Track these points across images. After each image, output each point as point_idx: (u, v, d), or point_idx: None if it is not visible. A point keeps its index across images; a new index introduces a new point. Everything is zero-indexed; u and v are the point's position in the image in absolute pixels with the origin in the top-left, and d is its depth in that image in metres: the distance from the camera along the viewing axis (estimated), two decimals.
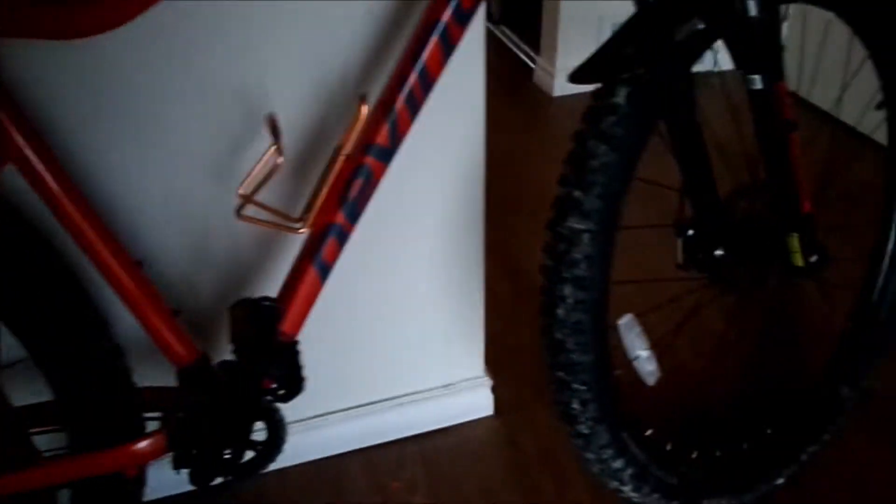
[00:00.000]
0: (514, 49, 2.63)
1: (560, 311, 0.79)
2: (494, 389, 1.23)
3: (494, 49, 2.76)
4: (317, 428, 1.15)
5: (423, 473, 1.15)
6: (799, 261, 0.93)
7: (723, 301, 1.02)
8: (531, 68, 2.43)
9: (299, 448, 1.15)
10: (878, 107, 1.09)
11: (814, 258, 0.93)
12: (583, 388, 0.82)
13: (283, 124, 0.86)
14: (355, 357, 1.12)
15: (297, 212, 0.77)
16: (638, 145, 0.78)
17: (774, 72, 0.79)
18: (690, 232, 0.96)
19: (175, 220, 0.91)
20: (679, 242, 0.97)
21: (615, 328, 0.90)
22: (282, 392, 0.78)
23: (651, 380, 0.93)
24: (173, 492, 1.07)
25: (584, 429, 0.85)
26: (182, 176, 0.89)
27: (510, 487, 1.13)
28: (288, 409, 1.12)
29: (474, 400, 1.22)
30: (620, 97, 0.76)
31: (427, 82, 0.74)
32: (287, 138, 0.88)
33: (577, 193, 0.77)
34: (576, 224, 0.77)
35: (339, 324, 1.08)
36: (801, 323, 1.39)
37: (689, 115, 0.88)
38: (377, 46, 0.87)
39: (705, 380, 1.29)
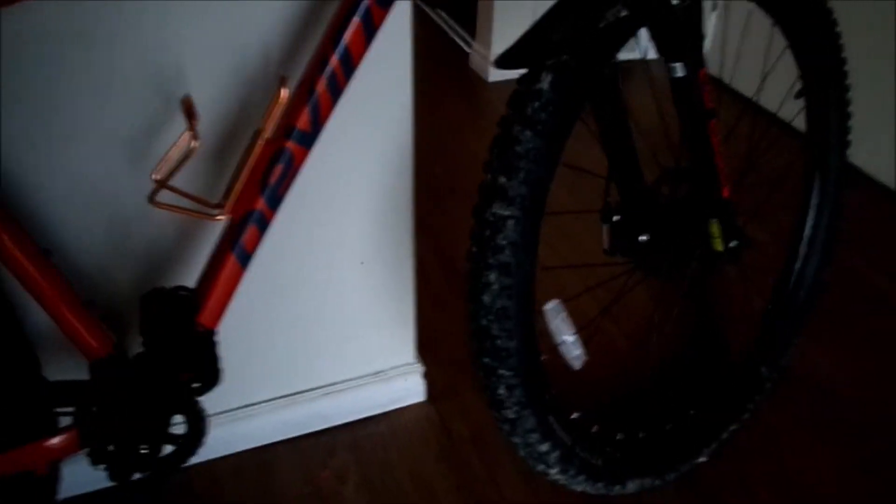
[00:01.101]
0: (451, 33, 2.61)
1: (485, 298, 0.79)
2: (426, 375, 1.23)
3: (431, 33, 2.74)
4: (245, 418, 1.13)
5: (354, 461, 1.14)
6: (719, 246, 0.96)
7: (649, 285, 1.05)
8: (467, 53, 2.43)
9: (227, 439, 1.12)
10: (798, 95, 1.13)
11: (733, 243, 0.96)
12: (509, 373, 0.83)
13: (204, 107, 0.84)
14: (283, 346, 1.10)
15: (218, 198, 0.75)
16: (563, 131, 0.78)
17: (696, 60, 0.80)
18: (616, 217, 0.97)
19: (88, 207, 0.87)
20: (605, 228, 0.99)
21: (541, 313, 0.90)
22: (197, 385, 0.75)
23: (577, 364, 0.94)
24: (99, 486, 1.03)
25: (510, 414, 0.86)
26: (95, 161, 0.84)
27: (441, 472, 1.13)
28: (215, 400, 1.10)
29: (406, 386, 1.21)
30: (545, 83, 0.76)
31: (349, 65, 0.72)
32: (207, 122, 0.85)
33: (501, 179, 0.77)
34: (500, 210, 0.77)
35: (266, 312, 1.05)
36: (724, 305, 1.43)
37: (614, 101, 0.89)
38: (301, 27, 0.84)
39: (631, 362, 1.32)
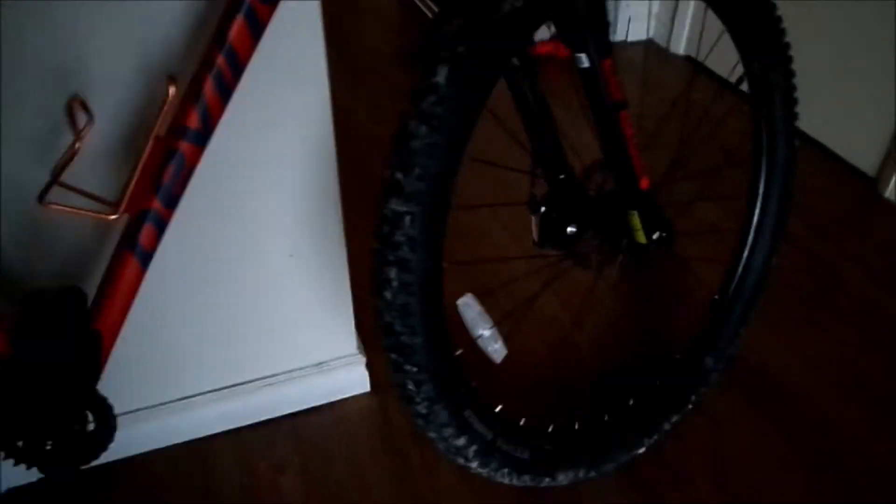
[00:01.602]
0: (427, 12, 2.59)
1: (387, 294, 0.79)
2: (369, 366, 1.23)
3: (409, 12, 2.71)
4: (185, 410, 1.14)
5: (294, 452, 1.15)
6: (641, 238, 0.94)
7: (583, 275, 1.04)
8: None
9: (167, 430, 1.14)
10: (738, 82, 1.11)
11: (656, 235, 0.95)
12: (415, 369, 0.82)
13: (107, 106, 0.83)
14: (220, 338, 1.11)
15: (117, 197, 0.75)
16: (462, 126, 0.77)
17: (600, 50, 0.79)
18: (543, 209, 0.96)
19: None
20: (534, 220, 0.98)
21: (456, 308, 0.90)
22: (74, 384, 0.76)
23: (497, 357, 0.94)
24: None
25: (421, 409, 0.85)
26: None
27: (380, 464, 1.14)
28: (155, 392, 1.12)
29: (349, 377, 1.22)
30: (441, 76, 0.75)
31: (236, 64, 0.72)
32: (110, 120, 0.85)
33: (398, 175, 0.76)
34: (397, 206, 0.76)
35: (199, 305, 1.06)
36: (671, 293, 1.42)
37: (533, 92, 0.88)
38: (203, 24, 0.84)
39: (568, 353, 1.31)
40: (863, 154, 1.84)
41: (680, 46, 2.33)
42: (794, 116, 1.14)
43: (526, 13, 0.75)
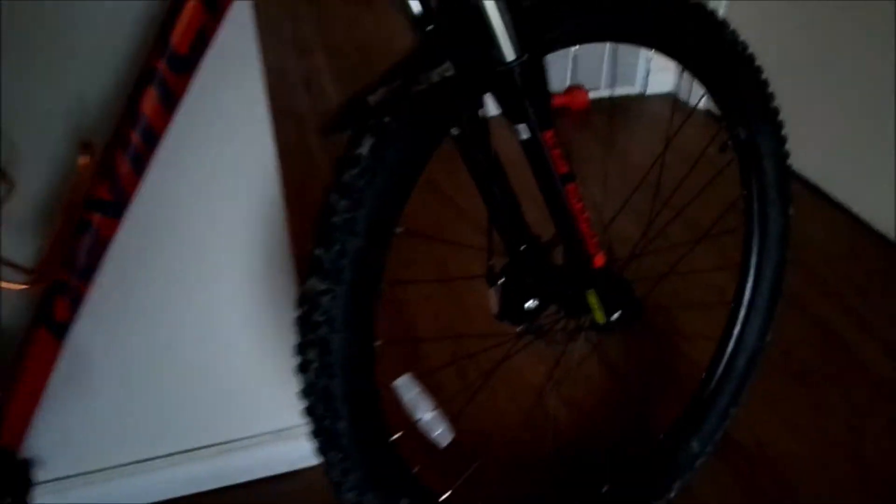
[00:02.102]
0: None
1: (307, 376, 0.74)
2: None
3: None
4: (140, 473, 1.10)
5: None
6: (600, 318, 0.88)
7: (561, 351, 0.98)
8: None
9: (121, 494, 1.10)
10: (722, 149, 1.04)
11: (616, 316, 0.88)
12: (339, 456, 0.77)
13: (28, 172, 0.81)
14: (179, 401, 1.07)
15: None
16: (389, 199, 0.72)
17: (541, 121, 0.74)
18: (501, 280, 0.91)
19: None
20: (492, 292, 0.92)
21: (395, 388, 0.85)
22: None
23: (442, 442, 0.88)
24: None
25: (350, 497, 0.80)
26: None
27: None
28: (109, 455, 1.09)
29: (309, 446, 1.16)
30: (364, 148, 0.71)
31: (150, 135, 0.69)
32: (38, 187, 0.83)
33: (317, 251, 0.72)
34: (316, 285, 0.72)
35: (159, 367, 1.03)
36: (650, 370, 1.33)
37: (484, 157, 0.83)
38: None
39: (539, 434, 1.23)
40: (886, 217, 1.73)
41: (701, 101, 2.26)
42: (788, 184, 1.07)
43: (458, 83, 0.71)
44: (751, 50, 0.96)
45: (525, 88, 0.72)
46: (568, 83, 2.22)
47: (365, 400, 0.77)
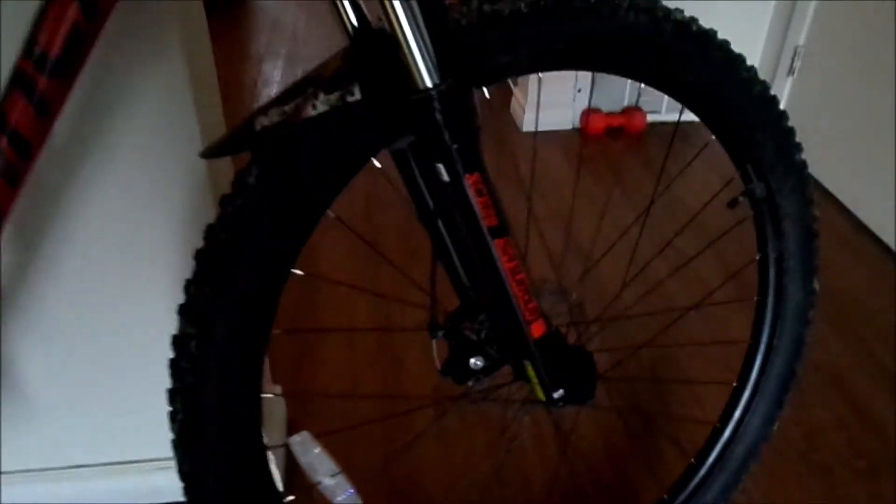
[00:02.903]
0: None
1: (175, 427, 0.66)
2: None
3: None
4: (74, 479, 1.06)
5: None
6: (539, 394, 0.75)
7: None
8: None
9: (52, 496, 1.06)
10: (733, 203, 0.88)
11: (559, 394, 0.75)
12: None
13: None
14: (120, 411, 1.02)
15: None
16: (277, 238, 0.63)
17: (465, 161, 0.62)
18: (441, 334, 0.80)
19: None
20: (433, 345, 0.81)
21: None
22: None
23: None
24: None
25: None
26: None
27: None
28: (46, 456, 1.05)
29: None
30: (251, 178, 0.61)
31: (23, 146, 0.62)
32: None
33: (189, 289, 0.63)
34: (184, 327, 0.63)
35: (100, 374, 0.98)
36: (625, 458, 1.17)
37: (429, 191, 0.72)
38: None
39: None
40: None
41: None
42: (813, 253, 0.90)
43: (363, 110, 0.60)
44: (773, 91, 0.81)
45: (445, 122, 0.60)
46: (626, 103, 2.05)
47: (242, 460, 0.68)
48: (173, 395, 0.65)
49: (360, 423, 0.82)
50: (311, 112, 0.59)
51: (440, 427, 1.05)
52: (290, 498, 0.74)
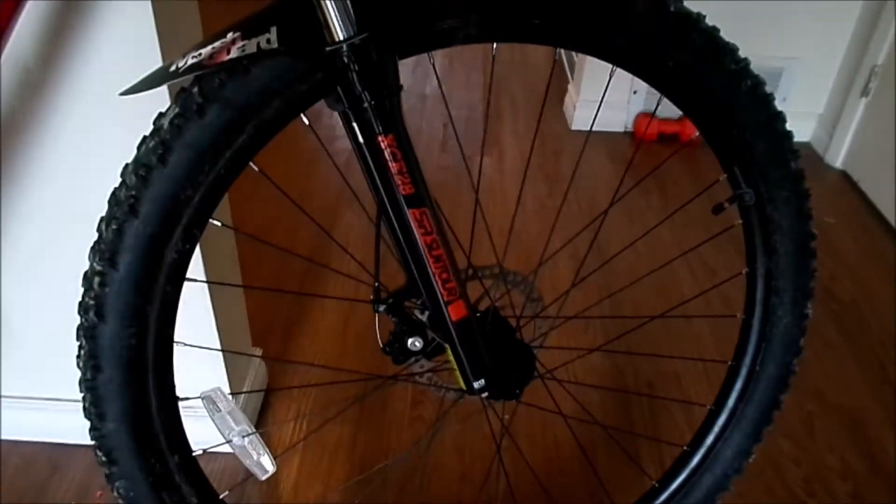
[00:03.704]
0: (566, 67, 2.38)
1: (77, 363, 0.66)
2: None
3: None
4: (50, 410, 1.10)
5: None
6: (459, 382, 0.71)
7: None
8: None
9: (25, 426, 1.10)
10: (718, 209, 0.81)
11: (479, 384, 0.70)
12: (105, 460, 0.68)
13: None
14: None
15: None
16: (188, 185, 0.61)
17: (381, 121, 0.58)
18: (382, 308, 0.77)
19: None
20: (376, 319, 0.79)
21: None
22: None
23: (260, 474, 0.76)
24: None
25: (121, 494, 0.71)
26: None
27: None
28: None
29: None
30: (164, 120, 0.60)
31: None
32: None
33: (99, 227, 0.62)
34: (92, 264, 0.63)
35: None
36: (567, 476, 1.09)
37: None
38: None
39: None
40: None
41: (837, 159, 1.89)
42: (807, 274, 0.82)
43: (276, 58, 0.58)
44: (768, 88, 0.73)
45: (359, 77, 0.57)
46: None
47: (140, 404, 0.67)
48: (78, 331, 0.65)
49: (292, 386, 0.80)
50: (225, 57, 0.57)
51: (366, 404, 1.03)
52: (198, 451, 0.73)
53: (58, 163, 0.89)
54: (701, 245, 1.04)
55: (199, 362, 1.01)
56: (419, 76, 2.26)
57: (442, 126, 2.03)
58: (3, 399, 1.09)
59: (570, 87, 2.11)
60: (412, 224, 0.62)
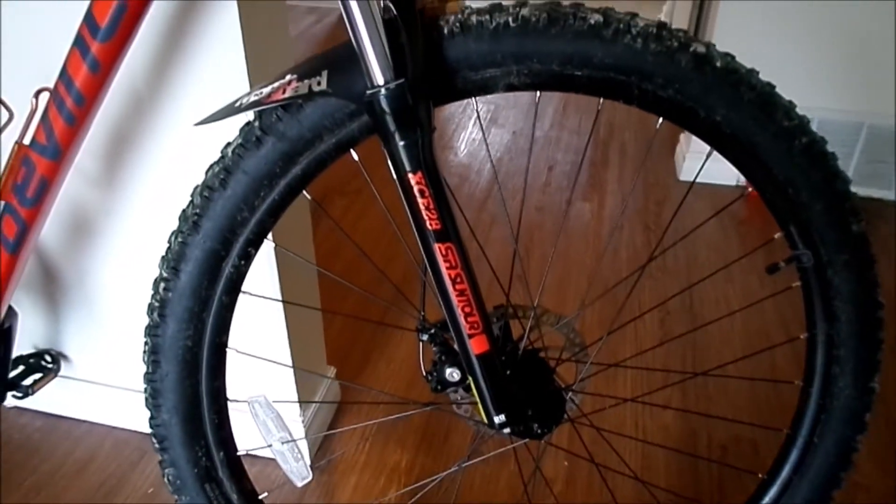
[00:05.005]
0: None
1: (143, 357, 0.74)
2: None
3: None
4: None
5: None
6: (480, 414, 0.73)
7: None
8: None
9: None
10: (772, 269, 0.79)
11: (500, 419, 0.72)
12: (163, 449, 0.76)
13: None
14: None
15: None
16: (245, 208, 0.68)
17: (410, 160, 0.63)
18: (425, 337, 0.81)
19: None
20: (420, 346, 0.83)
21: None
22: None
23: (297, 480, 0.81)
24: None
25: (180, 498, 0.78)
26: None
27: None
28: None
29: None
30: (229, 147, 0.68)
31: (78, 94, 0.74)
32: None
33: (170, 237, 0.71)
34: (161, 269, 0.71)
35: None
36: None
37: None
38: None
39: None
40: None
41: None
42: (872, 345, 0.77)
43: (323, 98, 0.64)
44: (823, 140, 0.71)
45: (394, 119, 0.62)
46: None
47: (193, 402, 0.75)
48: (145, 329, 0.73)
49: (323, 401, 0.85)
50: (281, 96, 0.64)
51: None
52: (243, 452, 0.79)
53: (158, 176, 1.01)
54: (742, 309, 0.98)
55: (269, 372, 1.10)
56: (530, 118, 2.30)
57: (546, 168, 2.05)
58: (105, 387, 1.22)
59: (682, 136, 2.07)
60: (438, 257, 0.66)
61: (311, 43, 3.07)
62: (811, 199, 0.72)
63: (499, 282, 0.82)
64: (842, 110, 1.81)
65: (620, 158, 2.12)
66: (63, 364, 1.21)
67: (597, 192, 1.95)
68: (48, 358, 1.19)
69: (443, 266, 0.66)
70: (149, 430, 0.77)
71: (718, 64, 0.67)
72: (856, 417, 0.79)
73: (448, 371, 0.78)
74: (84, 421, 1.25)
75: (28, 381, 1.13)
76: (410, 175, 0.63)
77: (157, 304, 0.72)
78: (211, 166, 0.70)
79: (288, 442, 0.79)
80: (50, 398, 1.23)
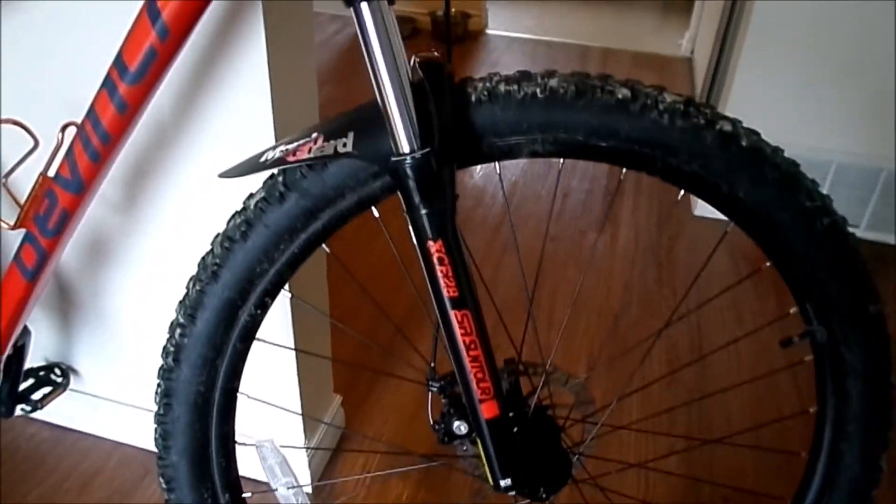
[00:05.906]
0: None
1: (155, 399, 0.75)
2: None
3: None
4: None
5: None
6: (487, 475, 0.73)
7: None
8: None
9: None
10: (786, 342, 0.79)
11: (505, 482, 0.72)
12: (168, 488, 0.76)
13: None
14: None
15: None
16: (265, 261, 0.69)
17: (432, 228, 0.63)
18: (435, 387, 0.81)
19: None
20: (429, 396, 0.83)
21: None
22: None
23: None
24: None
25: None
26: None
27: None
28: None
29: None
30: (252, 200, 0.69)
31: (104, 133, 0.75)
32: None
33: (188, 284, 0.71)
34: (178, 315, 0.72)
35: None
36: None
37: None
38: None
39: None
40: None
41: None
42: (882, 424, 0.77)
43: (349, 160, 0.65)
44: (843, 221, 0.71)
45: (417, 187, 0.62)
46: None
47: (201, 443, 0.75)
48: (159, 371, 0.74)
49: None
50: (306, 154, 0.65)
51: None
52: (248, 494, 0.80)
53: (178, 204, 1.01)
54: (753, 380, 0.97)
55: (274, 414, 1.10)
56: None
57: (562, 196, 2.05)
58: (114, 403, 1.23)
59: None
60: (454, 323, 0.66)
61: (333, 51, 3.08)
62: (828, 278, 0.72)
63: (509, 336, 0.82)
64: (860, 154, 1.80)
65: (635, 190, 2.11)
66: (73, 378, 1.22)
67: (610, 224, 1.94)
68: (58, 371, 1.19)
69: (458, 332, 0.66)
70: (154, 449, 0.77)
71: (744, 143, 0.67)
72: (862, 495, 0.79)
73: (456, 424, 0.78)
74: (91, 435, 1.26)
75: (37, 396, 1.14)
76: (431, 242, 0.63)
77: (172, 348, 0.72)
78: (233, 216, 0.70)
79: (293, 487, 0.80)
80: (59, 410, 1.24)
